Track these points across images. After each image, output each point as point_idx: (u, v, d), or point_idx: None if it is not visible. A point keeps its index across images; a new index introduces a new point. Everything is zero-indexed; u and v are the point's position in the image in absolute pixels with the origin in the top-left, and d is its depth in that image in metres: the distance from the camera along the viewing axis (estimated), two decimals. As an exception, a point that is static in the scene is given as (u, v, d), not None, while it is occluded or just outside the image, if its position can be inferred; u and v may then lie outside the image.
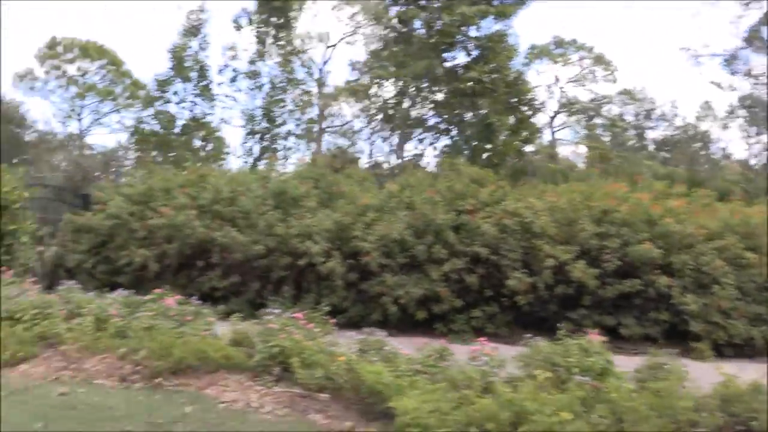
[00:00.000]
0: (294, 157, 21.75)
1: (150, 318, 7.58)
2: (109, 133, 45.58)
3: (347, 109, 36.53)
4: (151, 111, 20.44)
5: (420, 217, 9.86)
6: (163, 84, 20.30)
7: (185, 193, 11.16)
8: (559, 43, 38.63)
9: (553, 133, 41.51)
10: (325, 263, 9.62)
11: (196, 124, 19.80)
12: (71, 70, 42.07)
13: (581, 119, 41.86)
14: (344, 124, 35.14)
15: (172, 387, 6.30)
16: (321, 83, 29.65)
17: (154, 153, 17.42)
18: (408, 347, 6.84)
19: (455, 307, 9.44)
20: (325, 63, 32.38)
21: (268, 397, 5.99)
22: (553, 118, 40.94)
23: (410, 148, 23.94)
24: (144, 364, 6.59)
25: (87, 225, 11.84)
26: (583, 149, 38.45)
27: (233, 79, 21.91)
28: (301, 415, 5.58)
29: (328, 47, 32.56)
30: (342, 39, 33.48)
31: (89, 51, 42.46)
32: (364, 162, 32.86)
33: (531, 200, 10.05)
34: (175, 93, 20.23)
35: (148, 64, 61.29)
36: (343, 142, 34.24)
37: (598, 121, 41.98)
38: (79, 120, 42.04)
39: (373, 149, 35.66)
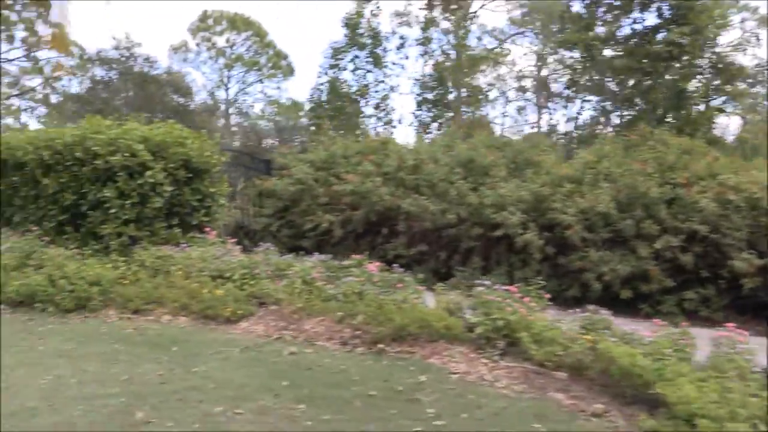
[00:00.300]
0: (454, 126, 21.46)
1: (358, 283, 7.72)
2: (252, 102, 47.67)
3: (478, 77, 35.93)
4: (324, 79, 20.96)
5: (625, 190, 9.29)
6: (337, 52, 20.73)
7: (370, 161, 11.27)
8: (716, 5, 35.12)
9: (707, 102, 38.24)
10: (522, 235, 9.35)
11: (367, 91, 20.09)
12: (220, 42, 44.42)
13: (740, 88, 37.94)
14: (481, 93, 34.49)
15: (394, 354, 6.34)
16: (461, 50, 28.98)
17: (328, 121, 17.87)
18: (630, 328, 6.45)
19: (665, 288, 8.84)
20: (463, 30, 31.82)
21: (499, 371, 5.85)
22: (708, 86, 37.60)
23: (585, 117, 22.84)
24: (363, 329, 6.68)
25: (271, 190, 12.35)
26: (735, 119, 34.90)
27: (400, 46, 21.96)
28: (540, 393, 5.38)
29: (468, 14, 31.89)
30: (483, 5, 32.67)
31: (237, 23, 44.61)
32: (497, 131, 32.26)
33: (754, 173, 9.15)
34: (352, 60, 20.58)
35: (290, 35, 63.15)
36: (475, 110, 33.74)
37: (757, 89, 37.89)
38: (226, 90, 44.32)
39: (516, 118, 34.93)
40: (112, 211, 9.30)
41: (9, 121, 36.82)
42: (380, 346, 6.41)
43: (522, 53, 32.33)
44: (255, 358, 6.14)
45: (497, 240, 9.80)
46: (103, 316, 7.76)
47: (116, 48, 30.92)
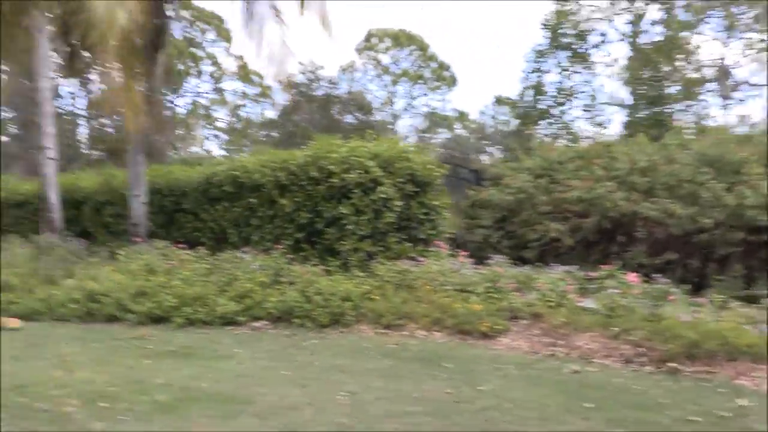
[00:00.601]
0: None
1: (619, 296, 7.26)
2: (416, 116, 48.02)
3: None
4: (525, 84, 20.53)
5: None
6: (540, 55, 20.27)
7: (597, 165, 10.71)
8: None
9: None
10: (798, 239, 8.34)
11: (574, 93, 19.41)
12: (385, 59, 45.62)
13: None
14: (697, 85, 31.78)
15: (690, 373, 5.80)
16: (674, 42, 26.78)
17: (533, 127, 17.46)
18: None
19: None
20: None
21: (834, 397, 5.11)
22: None
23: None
24: (645, 345, 6.21)
25: (486, 200, 12.16)
26: None
27: (600, 44, 20.86)
28: None
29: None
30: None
31: (400, 39, 45.63)
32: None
33: None
34: (559, 63, 19.98)
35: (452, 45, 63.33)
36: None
37: None
38: (392, 105, 45.27)
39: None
40: (349, 227, 9.59)
41: (195, 149, 40.31)
42: (671, 364, 5.90)
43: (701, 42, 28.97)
44: (536, 377, 5.89)
45: (761, 245, 8.81)
46: (356, 331, 7.95)
47: (302, 73, 32.86)
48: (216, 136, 43.48)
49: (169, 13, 11.69)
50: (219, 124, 43.12)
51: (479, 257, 10.14)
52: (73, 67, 12.80)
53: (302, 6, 10.57)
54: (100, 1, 7.94)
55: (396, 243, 9.78)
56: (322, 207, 9.97)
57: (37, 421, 4.77)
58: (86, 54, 12.88)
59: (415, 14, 61.88)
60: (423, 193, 10.23)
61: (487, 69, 59.59)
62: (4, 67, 10.09)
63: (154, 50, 11.12)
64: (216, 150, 41.35)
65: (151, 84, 11.50)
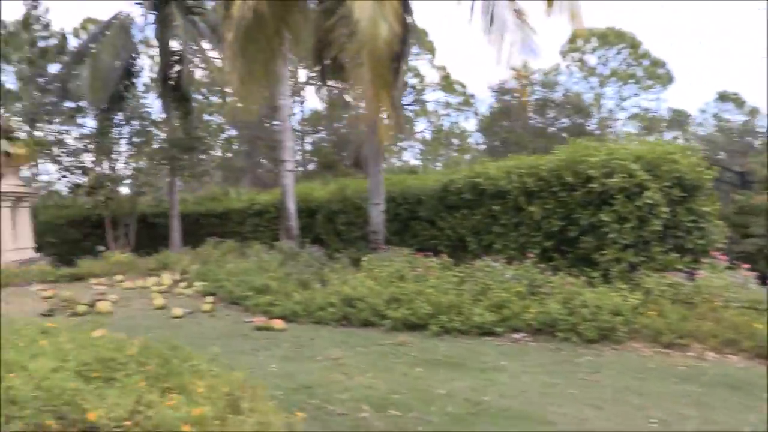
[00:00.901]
0: None
1: None
2: (628, 118, 44.85)
3: None
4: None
5: None
6: None
7: None
8: None
9: None
10: None
11: None
12: (591, 60, 43.58)
13: None
14: None
15: None
16: None
17: None
18: None
19: None
20: None
21: None
22: None
23: None
24: None
25: (757, 206, 10.81)
26: None
27: None
28: None
29: None
30: None
31: (608, 38, 43.33)
32: None
33: None
34: None
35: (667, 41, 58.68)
36: None
37: None
38: (600, 107, 42.99)
39: None
40: (611, 235, 8.98)
41: (393, 160, 41.44)
42: None
43: None
44: None
45: None
46: (631, 348, 7.34)
47: (515, 78, 32.34)
48: (412, 147, 44.62)
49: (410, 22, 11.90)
50: (419, 135, 44.24)
51: (758, 271, 8.98)
52: (324, 83, 13.55)
53: (550, 5, 10.13)
54: (363, 13, 8.21)
55: (661, 253, 8.96)
56: (577, 214, 9.45)
57: (337, 425, 4.88)
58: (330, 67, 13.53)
59: (624, 11, 58.60)
60: (691, 198, 9.28)
61: (706, 63, 54.77)
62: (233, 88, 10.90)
63: (398, 61, 11.38)
64: (412, 160, 42.44)
65: (394, 95, 11.76)
